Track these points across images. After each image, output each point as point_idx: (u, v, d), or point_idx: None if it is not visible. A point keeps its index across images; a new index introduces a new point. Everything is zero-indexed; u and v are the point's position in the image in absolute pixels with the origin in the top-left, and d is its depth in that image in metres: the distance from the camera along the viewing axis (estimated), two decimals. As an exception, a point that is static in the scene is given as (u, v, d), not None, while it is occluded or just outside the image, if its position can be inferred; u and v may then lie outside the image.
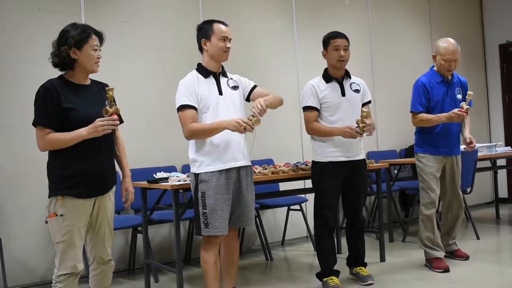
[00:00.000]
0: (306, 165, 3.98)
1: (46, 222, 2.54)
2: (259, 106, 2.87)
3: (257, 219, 4.57)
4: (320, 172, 3.60)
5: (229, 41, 3.06)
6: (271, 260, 4.66)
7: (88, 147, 2.48)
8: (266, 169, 3.85)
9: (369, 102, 3.71)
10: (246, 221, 3.13)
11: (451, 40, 3.93)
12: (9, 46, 4.01)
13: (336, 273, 3.61)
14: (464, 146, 3.98)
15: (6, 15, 4.01)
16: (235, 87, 3.14)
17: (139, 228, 4.12)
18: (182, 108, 2.98)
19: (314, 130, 3.58)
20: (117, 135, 2.70)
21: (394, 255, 4.50)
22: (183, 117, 2.97)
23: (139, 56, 4.58)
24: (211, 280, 3.03)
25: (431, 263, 3.94)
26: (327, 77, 3.62)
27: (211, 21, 3.09)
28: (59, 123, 2.46)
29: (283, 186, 4.73)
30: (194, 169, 3.04)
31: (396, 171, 5.42)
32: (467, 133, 3.95)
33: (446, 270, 3.83)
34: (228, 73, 3.18)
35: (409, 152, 6.05)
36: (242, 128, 2.80)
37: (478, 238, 4.95)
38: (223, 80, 3.11)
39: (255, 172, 3.66)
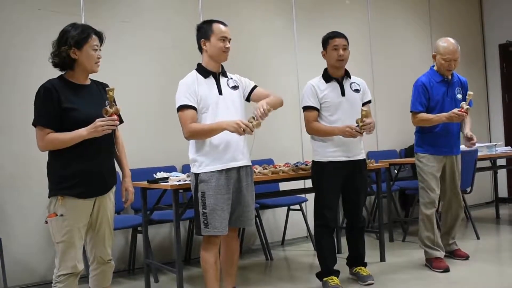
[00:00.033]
0: (306, 165, 3.98)
1: (46, 222, 2.54)
2: (262, 110, 2.86)
3: (257, 219, 4.57)
4: (320, 172, 3.60)
5: (229, 41, 3.06)
6: (271, 260, 4.66)
7: (88, 147, 2.48)
8: (266, 169, 3.85)
9: (369, 101, 3.71)
10: (246, 221, 3.13)
11: (451, 40, 3.93)
12: (9, 46, 4.01)
13: (336, 273, 3.61)
14: (464, 146, 3.98)
15: (6, 15, 4.01)
16: (235, 87, 3.14)
17: (139, 228, 4.12)
18: (182, 108, 2.98)
19: (314, 130, 3.58)
20: (117, 135, 2.70)
21: (394, 255, 4.50)
22: (183, 117, 2.97)
23: (139, 56, 4.58)
24: (211, 280, 3.03)
25: (431, 263, 3.94)
26: (327, 77, 3.62)
27: (210, 21, 3.09)
28: (59, 123, 2.46)
29: (283, 186, 4.73)
30: (194, 169, 3.04)
31: (396, 171, 5.42)
32: (467, 130, 3.94)
33: (446, 270, 3.83)
34: (228, 73, 3.18)
35: (409, 152, 6.05)
36: (241, 129, 2.80)
37: (478, 238, 4.95)
38: (223, 80, 3.11)
39: (255, 172, 3.66)
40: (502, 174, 6.95)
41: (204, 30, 3.07)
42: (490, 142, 6.40)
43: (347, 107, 3.54)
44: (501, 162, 6.51)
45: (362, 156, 3.67)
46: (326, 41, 3.62)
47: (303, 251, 4.97)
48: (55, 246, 2.51)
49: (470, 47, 7.20)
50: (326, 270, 3.60)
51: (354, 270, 3.76)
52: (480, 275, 3.77)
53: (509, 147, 5.94)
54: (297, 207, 5.01)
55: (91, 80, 2.67)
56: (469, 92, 3.80)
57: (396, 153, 6.32)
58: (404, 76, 5.91)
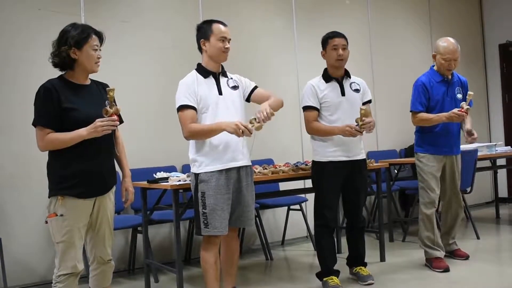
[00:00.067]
0: (306, 165, 3.98)
1: (46, 222, 2.54)
2: (265, 113, 2.87)
3: (257, 219, 4.57)
4: (320, 172, 3.60)
5: (228, 42, 3.05)
6: (271, 260, 4.66)
7: (88, 147, 2.48)
8: (266, 169, 3.85)
9: (370, 101, 3.71)
10: (246, 221, 3.13)
11: (451, 40, 3.93)
12: (10, 46, 4.01)
13: (336, 273, 3.61)
14: (464, 146, 3.97)
15: (6, 15, 4.01)
16: (235, 87, 3.14)
17: (139, 228, 4.12)
18: (181, 108, 2.98)
19: (314, 130, 3.59)
20: (117, 135, 2.70)
21: (394, 255, 4.50)
22: (183, 118, 2.97)
23: (139, 56, 4.58)
24: (211, 280, 3.03)
25: (431, 263, 3.94)
26: (327, 77, 3.62)
27: (210, 21, 3.09)
28: (59, 123, 2.47)
29: (283, 186, 4.73)
30: (194, 169, 3.04)
31: (396, 171, 5.42)
32: (468, 126, 3.89)
33: (446, 270, 3.83)
34: (228, 73, 3.19)
35: (409, 152, 6.05)
36: (240, 131, 2.80)
37: (478, 237, 4.95)
38: (223, 80, 3.11)
39: (255, 172, 3.66)
40: (502, 174, 6.95)
41: (203, 30, 3.07)
42: (490, 142, 6.40)
43: (347, 107, 3.54)
44: (501, 162, 6.51)
45: (362, 156, 3.67)
46: (326, 41, 3.63)
47: (303, 251, 4.97)
48: (55, 246, 2.52)
49: (470, 47, 7.20)
50: (326, 270, 3.60)
51: (354, 270, 3.77)
52: (480, 275, 3.77)
53: (509, 147, 5.94)
54: (297, 207, 5.01)
55: (91, 80, 2.67)
56: (469, 92, 3.80)
57: (396, 153, 6.32)
58: (404, 76, 5.91)
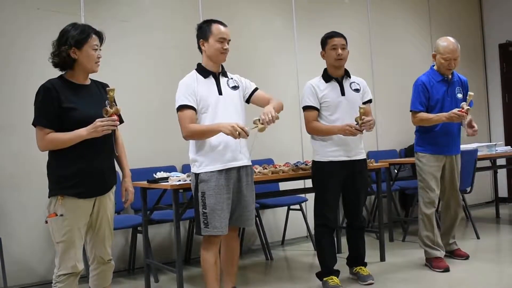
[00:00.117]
0: (306, 164, 3.98)
1: (46, 222, 2.54)
2: (270, 116, 2.87)
3: (257, 219, 4.57)
4: (320, 172, 3.60)
5: (228, 43, 3.05)
6: (271, 260, 4.66)
7: (88, 147, 2.48)
8: (266, 168, 3.85)
9: (370, 101, 3.71)
10: (246, 221, 3.13)
11: (451, 39, 3.93)
12: (10, 46, 4.02)
13: (336, 273, 3.61)
14: (463, 146, 3.97)
15: (6, 15, 4.01)
16: (235, 87, 3.14)
17: (139, 228, 4.12)
18: (181, 108, 2.98)
19: (314, 130, 3.59)
20: (117, 135, 2.70)
21: (394, 254, 4.50)
22: (182, 118, 2.97)
23: (139, 56, 4.58)
24: (211, 280, 3.03)
25: (431, 263, 3.94)
26: (327, 76, 3.62)
27: (210, 21, 3.09)
28: (59, 123, 2.47)
29: (283, 186, 4.73)
30: (194, 169, 3.04)
31: (396, 171, 5.43)
32: (469, 118, 3.82)
33: (446, 269, 3.83)
34: (228, 73, 3.19)
35: (409, 151, 6.05)
36: (236, 133, 2.80)
37: (478, 237, 4.95)
38: (223, 80, 3.12)
39: (255, 172, 3.66)
40: (502, 173, 6.96)
41: (203, 30, 3.07)
42: (490, 142, 6.41)
43: (347, 107, 3.54)
44: (501, 161, 6.51)
45: (363, 156, 3.66)
46: (325, 41, 3.63)
47: (303, 251, 4.97)
48: (55, 246, 2.52)
49: (470, 47, 7.20)
50: (326, 270, 3.60)
51: (354, 270, 3.77)
52: (480, 275, 3.77)
53: (509, 146, 5.95)
54: (297, 207, 5.01)
55: (91, 80, 2.67)
56: (469, 93, 3.80)
57: (396, 153, 6.32)
58: (404, 76, 5.92)
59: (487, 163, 5.87)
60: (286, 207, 5.13)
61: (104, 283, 2.70)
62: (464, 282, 3.63)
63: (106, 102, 2.48)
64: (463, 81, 4.11)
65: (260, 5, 5.42)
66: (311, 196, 3.92)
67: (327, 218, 3.57)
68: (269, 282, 3.93)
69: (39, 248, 4.01)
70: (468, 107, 3.73)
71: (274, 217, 5.33)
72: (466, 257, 4.17)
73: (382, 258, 4.30)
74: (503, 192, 7.14)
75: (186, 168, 4.53)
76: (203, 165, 2.99)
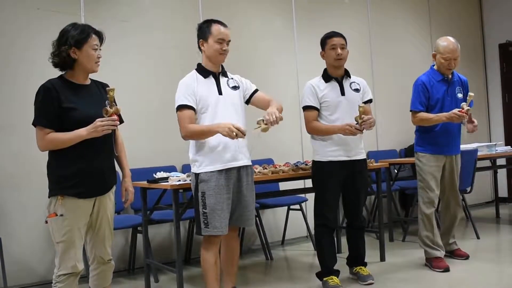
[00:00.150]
0: (306, 164, 3.98)
1: (46, 222, 2.54)
2: (274, 117, 2.88)
3: (257, 218, 4.57)
4: (320, 172, 3.60)
5: (227, 44, 3.05)
6: (271, 259, 4.66)
7: (88, 147, 2.48)
8: (266, 168, 3.85)
9: (370, 100, 3.71)
10: (247, 221, 3.13)
11: (451, 39, 3.93)
12: (10, 47, 4.02)
13: (336, 273, 3.61)
14: (464, 145, 3.96)
15: (6, 15, 4.01)
16: (235, 87, 3.14)
17: (139, 228, 4.12)
18: (180, 108, 2.99)
19: (314, 129, 3.59)
20: (117, 135, 2.70)
21: (394, 254, 4.50)
22: (181, 118, 2.98)
23: (139, 56, 4.58)
24: (211, 280, 3.03)
25: (431, 263, 3.94)
26: (327, 76, 3.62)
27: (210, 21, 3.08)
28: (59, 123, 2.47)
29: (283, 186, 4.73)
30: (194, 169, 3.04)
31: (396, 171, 5.43)
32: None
33: (446, 269, 3.83)
34: (228, 73, 3.19)
35: (409, 151, 6.05)
36: (233, 134, 2.80)
37: (478, 237, 4.95)
38: (223, 80, 3.12)
39: (255, 172, 3.66)
40: (502, 173, 6.96)
41: (203, 31, 3.07)
42: (490, 142, 6.41)
43: (346, 107, 3.54)
44: (501, 161, 6.51)
45: (363, 156, 3.66)
46: (324, 41, 3.63)
47: (303, 251, 4.97)
48: (55, 246, 2.52)
49: (470, 47, 7.20)
50: (326, 269, 3.60)
51: (354, 270, 3.77)
52: (480, 275, 3.77)
53: (509, 146, 5.95)
54: (297, 207, 5.01)
55: (91, 80, 2.67)
56: (470, 93, 3.80)
57: (396, 153, 6.32)
58: (404, 76, 5.92)
59: (487, 163, 5.87)
60: (286, 207, 5.13)
61: (104, 283, 2.70)
62: (464, 282, 3.63)
63: (106, 102, 2.48)
64: (463, 81, 4.11)
65: (260, 5, 5.42)
66: (311, 196, 3.92)
67: (327, 218, 3.57)
68: (269, 282, 3.93)
69: (39, 248, 4.01)
70: (468, 107, 3.73)
71: (274, 217, 5.33)
72: (466, 257, 4.17)
73: (382, 258, 4.30)
74: (503, 192, 7.14)
75: (186, 168, 4.53)
76: (203, 165, 2.99)
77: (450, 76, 3.99)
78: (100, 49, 2.59)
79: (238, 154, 3.03)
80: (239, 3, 5.25)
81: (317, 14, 5.74)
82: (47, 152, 2.55)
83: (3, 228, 3.88)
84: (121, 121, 2.67)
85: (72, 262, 2.49)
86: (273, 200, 4.71)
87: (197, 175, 3.01)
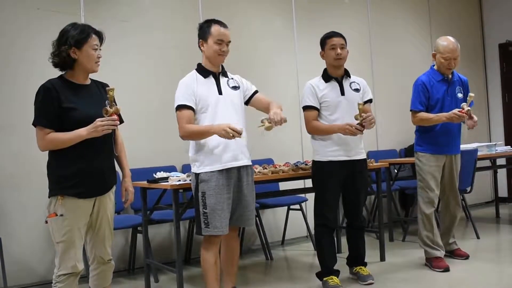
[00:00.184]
0: (306, 164, 3.98)
1: (46, 222, 2.54)
2: (279, 117, 2.90)
3: (257, 218, 4.57)
4: (320, 172, 3.60)
5: (227, 44, 3.05)
6: (271, 259, 4.66)
7: (88, 147, 2.48)
8: (266, 168, 3.85)
9: (371, 100, 3.70)
10: (247, 221, 3.13)
11: (451, 38, 3.93)
12: (10, 47, 4.02)
13: (336, 273, 3.61)
14: (463, 146, 3.96)
15: (6, 15, 4.01)
16: (235, 87, 3.14)
17: (139, 228, 4.12)
18: (179, 108, 2.99)
19: (314, 129, 3.59)
20: (117, 135, 2.71)
21: (394, 254, 4.50)
22: (179, 117, 2.98)
23: (139, 56, 4.58)
24: (211, 280, 3.03)
25: (431, 263, 3.94)
26: (326, 76, 3.62)
27: (211, 21, 3.08)
28: (59, 123, 2.47)
29: (283, 186, 4.73)
30: (194, 169, 3.04)
31: (396, 171, 5.42)
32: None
33: (446, 269, 3.83)
34: (229, 73, 3.19)
35: (409, 151, 6.05)
36: (230, 135, 2.80)
37: (478, 237, 4.95)
38: (223, 80, 3.12)
39: (255, 172, 3.66)
40: (502, 173, 6.96)
41: (203, 31, 3.07)
42: (490, 142, 6.41)
43: (346, 106, 3.54)
44: (501, 161, 6.51)
45: (363, 156, 3.66)
46: (324, 41, 3.63)
47: (303, 251, 4.97)
48: (55, 246, 2.52)
49: (470, 47, 7.20)
50: (326, 269, 3.60)
51: (354, 269, 3.77)
52: (480, 274, 3.77)
53: (509, 146, 5.95)
54: (297, 206, 5.01)
55: (91, 80, 2.67)
56: (470, 94, 3.80)
57: (396, 153, 6.32)
58: (404, 76, 5.92)
59: (487, 163, 5.87)
60: (286, 207, 5.13)
61: (104, 283, 2.70)
62: (464, 282, 3.63)
63: (106, 101, 2.48)
64: (463, 80, 4.10)
65: (260, 5, 5.42)
66: (311, 196, 3.92)
67: (327, 218, 3.57)
68: (269, 282, 3.93)
69: (39, 248, 4.01)
70: (469, 108, 3.73)
71: (274, 217, 5.33)
72: (466, 257, 4.17)
73: (382, 258, 4.30)
74: (503, 192, 7.14)
75: (186, 168, 4.53)
76: (203, 165, 2.99)
77: (450, 76, 3.98)
78: (100, 49, 2.59)
79: (239, 154, 3.04)
80: (239, 3, 5.25)
81: (317, 14, 5.74)
82: (47, 152, 2.55)
83: (3, 228, 3.88)
84: (121, 121, 2.67)
85: (72, 262, 2.49)
86: (273, 200, 4.71)
87: (197, 175, 3.01)
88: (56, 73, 2.59)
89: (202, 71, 3.08)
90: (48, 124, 2.46)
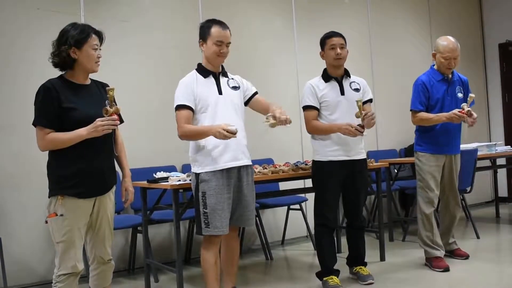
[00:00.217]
0: (306, 164, 3.98)
1: (46, 222, 2.54)
2: (284, 117, 2.91)
3: (257, 218, 4.57)
4: (320, 172, 3.60)
5: (226, 46, 3.05)
6: (271, 259, 4.66)
7: (88, 147, 2.48)
8: (266, 168, 3.85)
9: (370, 100, 3.70)
10: (247, 221, 3.13)
11: (451, 38, 3.93)
12: (10, 46, 4.02)
13: (336, 273, 3.61)
14: (463, 146, 3.96)
15: (6, 15, 4.01)
16: (235, 88, 3.14)
17: (139, 228, 4.12)
18: (178, 108, 3.00)
19: (314, 129, 3.59)
20: (117, 135, 2.71)
21: (394, 254, 4.50)
22: (178, 117, 2.99)
23: (139, 56, 4.58)
24: (211, 280, 3.03)
25: (431, 263, 3.94)
26: (326, 76, 3.63)
27: (211, 21, 3.08)
28: (59, 123, 2.47)
29: (283, 186, 4.73)
30: (194, 169, 3.04)
31: (396, 171, 5.42)
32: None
33: (446, 269, 3.83)
34: (229, 73, 3.19)
35: (409, 151, 6.05)
36: (224, 136, 2.81)
37: (478, 237, 4.95)
38: (223, 80, 3.12)
39: (255, 171, 3.66)
40: (502, 173, 6.96)
41: (203, 31, 3.07)
42: (490, 142, 6.41)
43: (346, 106, 3.54)
44: (501, 161, 6.51)
45: (363, 155, 3.66)
46: (324, 41, 3.64)
47: (303, 251, 4.97)
48: (55, 246, 2.52)
49: (470, 47, 7.21)
50: (326, 269, 3.60)
51: (354, 269, 3.77)
52: (480, 274, 3.77)
53: (509, 146, 5.95)
54: (297, 206, 5.01)
55: (91, 80, 2.67)
56: (470, 95, 3.80)
57: (396, 153, 6.32)
58: (404, 76, 5.92)
59: (487, 163, 5.87)
60: (286, 207, 5.13)
61: (104, 283, 2.71)
62: (464, 282, 3.63)
63: (106, 101, 2.48)
64: (463, 80, 4.10)
65: (260, 5, 5.42)
66: (311, 196, 3.92)
67: (327, 218, 3.57)
68: (269, 282, 3.93)
69: (39, 248, 4.01)
70: (469, 108, 3.73)
71: (274, 217, 5.33)
72: (466, 257, 4.17)
73: (382, 258, 4.30)
74: (503, 191, 7.14)
75: (186, 168, 4.53)
76: (203, 165, 2.99)
77: (450, 75, 3.99)
78: (100, 49, 2.59)
79: (239, 154, 3.04)
80: (239, 3, 5.25)
81: (317, 14, 5.74)
82: (47, 152, 2.55)
83: (3, 228, 3.88)
84: (121, 121, 2.67)
85: (72, 262, 2.49)
86: (273, 200, 4.71)
87: (197, 175, 3.01)
88: (56, 73, 2.60)
89: (202, 71, 3.08)
90: (48, 124, 2.46)
